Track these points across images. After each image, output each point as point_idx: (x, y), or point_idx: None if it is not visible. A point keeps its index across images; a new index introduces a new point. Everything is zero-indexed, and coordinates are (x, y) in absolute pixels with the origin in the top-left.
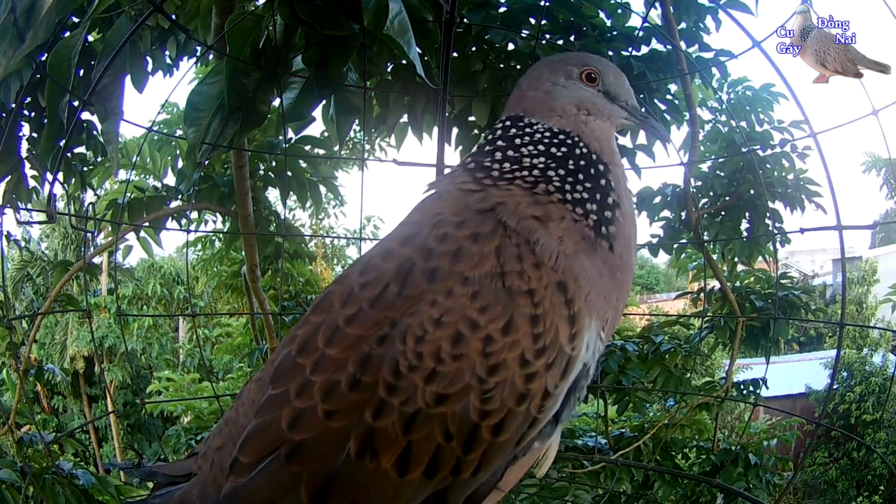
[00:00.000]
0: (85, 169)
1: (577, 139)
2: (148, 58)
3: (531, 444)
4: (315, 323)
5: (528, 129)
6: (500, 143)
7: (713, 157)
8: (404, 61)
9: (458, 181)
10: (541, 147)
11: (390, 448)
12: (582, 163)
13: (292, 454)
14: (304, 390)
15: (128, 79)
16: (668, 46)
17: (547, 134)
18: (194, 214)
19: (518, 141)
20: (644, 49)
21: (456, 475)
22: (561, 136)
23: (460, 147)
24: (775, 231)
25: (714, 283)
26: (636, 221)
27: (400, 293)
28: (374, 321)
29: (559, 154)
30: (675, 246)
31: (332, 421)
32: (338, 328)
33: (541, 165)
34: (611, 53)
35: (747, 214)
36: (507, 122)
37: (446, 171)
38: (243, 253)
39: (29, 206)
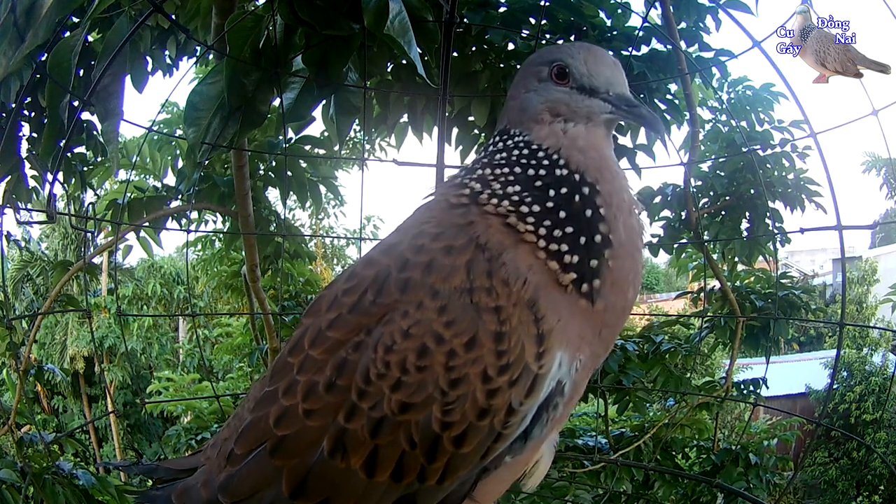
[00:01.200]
0: (85, 169)
1: (555, 157)
2: (148, 58)
3: (502, 459)
4: (305, 325)
5: (509, 144)
6: (483, 160)
7: (713, 156)
8: (404, 61)
9: (450, 193)
10: (517, 170)
11: (358, 450)
12: (563, 191)
13: (275, 449)
14: (289, 389)
15: (128, 79)
16: (668, 46)
17: (525, 151)
18: (194, 214)
19: (497, 158)
20: (644, 49)
21: (422, 482)
22: (540, 155)
23: (460, 147)
24: (775, 231)
25: (714, 283)
26: (639, 240)
27: (374, 301)
28: (351, 327)
29: (538, 183)
30: (675, 246)
31: (310, 420)
32: (321, 331)
33: (515, 198)
34: (611, 53)
35: (747, 214)
36: (496, 137)
37: (446, 171)
38: (243, 253)
39: (29, 206)
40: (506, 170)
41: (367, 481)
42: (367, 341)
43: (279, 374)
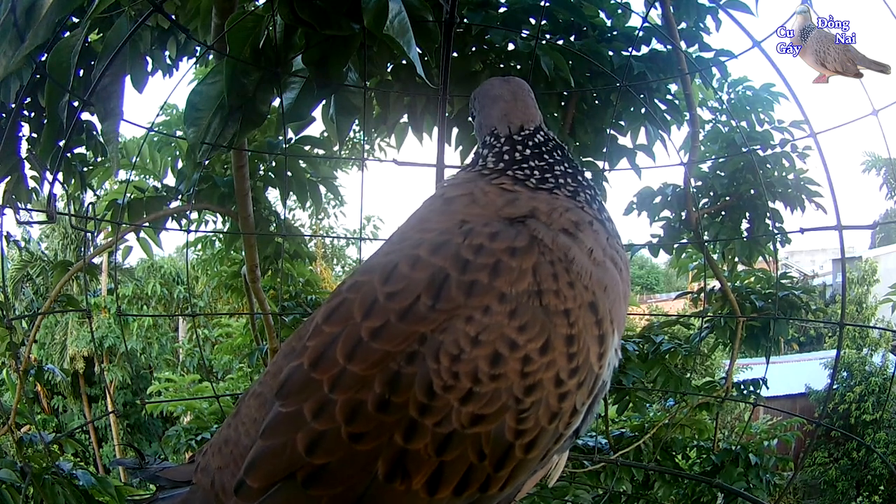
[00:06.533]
0: (85, 169)
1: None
2: (148, 58)
3: (551, 458)
4: (331, 334)
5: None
6: (534, 150)
7: (713, 157)
8: (404, 61)
9: (480, 183)
10: (567, 163)
11: (421, 469)
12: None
13: (312, 479)
14: (323, 410)
15: (128, 79)
16: (668, 46)
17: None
18: (194, 214)
19: (552, 151)
20: (644, 49)
21: (484, 491)
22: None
23: (460, 147)
24: (775, 231)
25: (714, 283)
26: None
27: (433, 306)
28: (403, 336)
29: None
30: (675, 246)
31: (358, 444)
32: (361, 341)
33: (573, 184)
34: (611, 53)
35: (747, 214)
36: (537, 131)
37: (446, 171)
38: (243, 253)
39: (29, 206)
40: (558, 157)
41: (428, 500)
42: (423, 351)
43: (300, 393)
